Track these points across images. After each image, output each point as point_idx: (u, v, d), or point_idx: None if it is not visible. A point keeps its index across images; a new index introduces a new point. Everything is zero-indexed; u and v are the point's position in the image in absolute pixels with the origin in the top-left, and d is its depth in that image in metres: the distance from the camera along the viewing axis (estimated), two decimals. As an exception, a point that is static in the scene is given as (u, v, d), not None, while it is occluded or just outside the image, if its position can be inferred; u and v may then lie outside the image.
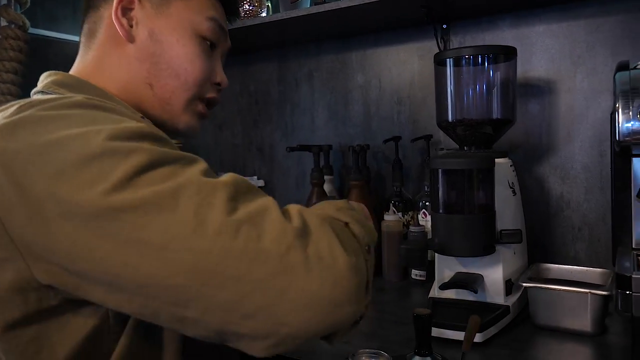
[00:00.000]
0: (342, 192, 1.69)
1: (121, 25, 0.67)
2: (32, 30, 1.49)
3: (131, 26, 0.68)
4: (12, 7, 1.45)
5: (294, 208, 0.51)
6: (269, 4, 1.61)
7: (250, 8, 1.53)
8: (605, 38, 1.26)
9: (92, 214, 0.44)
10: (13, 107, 0.52)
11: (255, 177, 1.89)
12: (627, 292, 0.69)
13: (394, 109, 1.60)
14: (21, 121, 0.49)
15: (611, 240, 0.88)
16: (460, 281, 0.97)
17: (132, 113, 0.63)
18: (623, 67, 0.81)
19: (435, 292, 1.08)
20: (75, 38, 1.73)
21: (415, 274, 1.35)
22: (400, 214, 1.43)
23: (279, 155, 1.85)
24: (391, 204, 1.44)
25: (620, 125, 0.75)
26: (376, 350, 0.80)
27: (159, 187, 0.45)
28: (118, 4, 0.67)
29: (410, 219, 1.45)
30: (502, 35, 1.39)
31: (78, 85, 0.64)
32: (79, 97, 0.54)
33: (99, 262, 0.44)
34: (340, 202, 0.59)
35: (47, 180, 0.45)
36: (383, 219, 1.41)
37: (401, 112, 1.59)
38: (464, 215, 0.95)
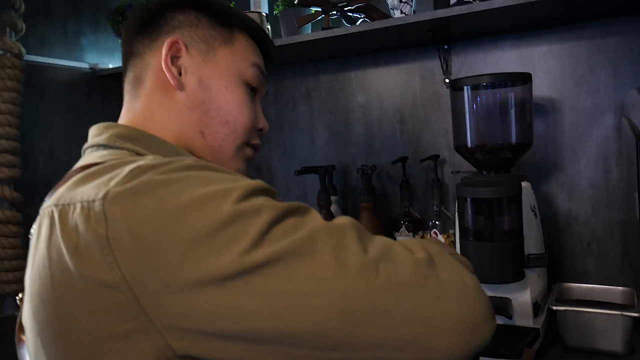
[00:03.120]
0: (346, 212, 1.69)
1: (171, 73, 0.66)
2: (24, 57, 1.44)
3: (180, 74, 0.67)
4: (7, 35, 1.40)
5: (407, 241, 0.53)
6: (269, 27, 1.60)
7: (252, 31, 1.51)
8: (607, 59, 1.30)
9: (233, 274, 0.43)
10: (121, 173, 0.49)
11: (255, 198, 1.87)
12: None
13: (396, 127, 1.61)
14: (143, 186, 0.47)
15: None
16: (495, 308, 0.98)
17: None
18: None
19: (461, 315, 1.09)
20: (68, 63, 1.69)
21: (431, 294, 1.36)
22: (411, 234, 1.44)
23: (278, 175, 1.84)
24: (403, 225, 1.45)
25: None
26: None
27: (293, 236, 0.46)
28: (168, 52, 0.66)
29: (421, 239, 1.47)
30: (503, 56, 1.42)
31: (143, 138, 0.62)
32: (188, 160, 0.52)
33: (243, 320, 0.44)
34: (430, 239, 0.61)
35: (182, 246, 0.44)
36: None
37: (404, 132, 1.60)
38: (494, 243, 0.97)
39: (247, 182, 0.49)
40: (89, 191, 0.48)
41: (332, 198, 1.59)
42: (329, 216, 1.53)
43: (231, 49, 0.70)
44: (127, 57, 0.71)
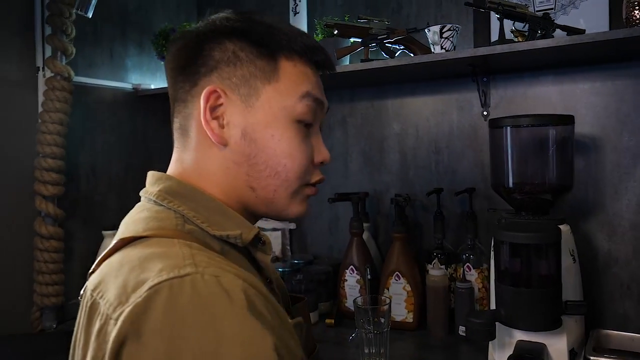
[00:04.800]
0: (377, 240, 1.69)
1: (211, 129, 0.62)
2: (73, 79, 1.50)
3: (222, 127, 0.62)
4: (58, 58, 1.46)
5: None
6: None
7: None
8: (653, 99, 1.27)
9: None
10: (142, 286, 0.48)
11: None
12: None
13: (432, 158, 1.61)
14: (146, 330, 0.45)
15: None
16: (529, 353, 0.96)
17: (247, 229, 0.62)
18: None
19: (495, 358, 1.08)
20: (112, 83, 1.75)
21: (463, 330, 1.34)
22: (443, 267, 1.42)
23: (311, 199, 1.83)
24: (435, 258, 1.44)
25: None
26: None
27: None
28: (205, 104, 0.62)
29: (453, 272, 1.45)
30: (544, 91, 1.40)
31: (191, 195, 0.62)
32: (214, 280, 0.48)
33: None
34: None
35: None
36: (427, 272, 1.41)
37: (439, 162, 1.59)
38: (531, 289, 0.95)
39: (259, 350, 0.45)
40: (113, 294, 0.49)
41: (364, 225, 1.59)
42: (360, 245, 1.53)
43: (275, 85, 0.63)
44: (172, 99, 0.68)
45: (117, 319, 0.47)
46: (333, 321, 1.47)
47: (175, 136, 0.68)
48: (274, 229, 1.88)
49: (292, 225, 1.88)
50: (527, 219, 1.08)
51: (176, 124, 0.68)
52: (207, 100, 0.62)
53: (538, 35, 1.18)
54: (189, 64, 0.64)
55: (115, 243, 0.57)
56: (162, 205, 0.60)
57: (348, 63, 1.53)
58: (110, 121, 1.72)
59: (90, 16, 1.52)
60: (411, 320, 1.41)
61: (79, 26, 1.52)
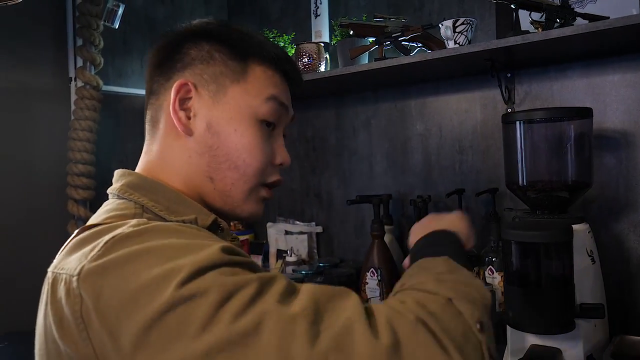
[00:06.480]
0: (401, 243, 1.65)
1: (179, 119, 0.65)
2: (103, 87, 1.57)
3: (189, 118, 0.66)
4: (87, 69, 1.53)
5: (380, 313, 0.47)
6: (327, 57, 1.63)
7: (310, 62, 1.54)
8: (689, 89, 1.18)
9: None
10: (99, 243, 0.51)
11: (314, 223, 1.88)
12: None
13: (456, 158, 1.56)
14: (111, 263, 0.49)
15: None
16: (542, 358, 0.91)
17: (205, 215, 0.64)
18: None
19: (508, 364, 1.02)
20: (143, 92, 1.81)
21: (483, 335, 1.29)
22: (465, 270, 1.37)
23: (336, 202, 1.84)
24: (456, 260, 1.39)
25: None
26: None
27: (240, 322, 0.44)
28: (176, 95, 0.65)
29: (476, 275, 1.40)
30: (571, 85, 1.33)
31: (151, 187, 0.64)
32: (163, 225, 0.54)
33: None
34: (441, 264, 0.56)
35: (136, 329, 0.45)
36: (447, 276, 1.36)
37: (463, 162, 1.54)
38: (540, 290, 0.90)
39: (200, 257, 0.48)
40: (74, 262, 0.51)
41: (388, 228, 1.56)
42: (381, 247, 1.50)
43: (243, 85, 0.67)
44: (147, 93, 0.72)
45: (79, 273, 0.49)
46: (352, 324, 1.45)
47: (146, 129, 0.72)
48: (301, 233, 1.88)
49: (319, 229, 1.88)
50: (541, 218, 1.03)
51: (148, 116, 0.72)
52: (177, 91, 0.65)
53: (556, 25, 1.12)
54: (167, 60, 0.69)
55: (75, 233, 0.59)
56: (123, 198, 0.63)
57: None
58: (140, 128, 1.77)
59: (116, 27, 1.59)
60: (431, 325, 1.36)
61: (109, 37, 1.60)
